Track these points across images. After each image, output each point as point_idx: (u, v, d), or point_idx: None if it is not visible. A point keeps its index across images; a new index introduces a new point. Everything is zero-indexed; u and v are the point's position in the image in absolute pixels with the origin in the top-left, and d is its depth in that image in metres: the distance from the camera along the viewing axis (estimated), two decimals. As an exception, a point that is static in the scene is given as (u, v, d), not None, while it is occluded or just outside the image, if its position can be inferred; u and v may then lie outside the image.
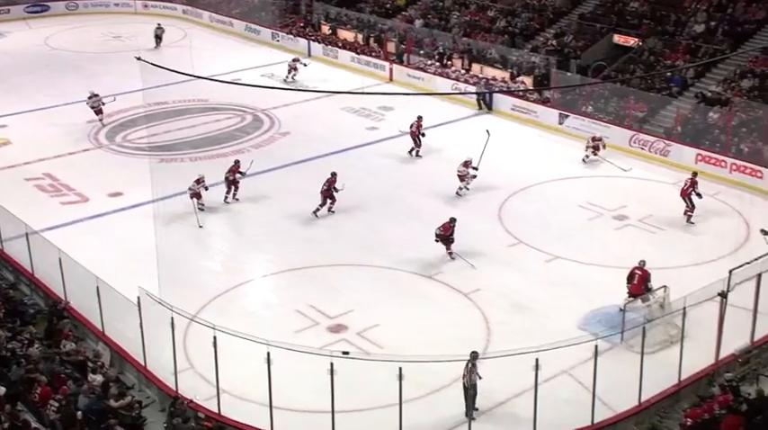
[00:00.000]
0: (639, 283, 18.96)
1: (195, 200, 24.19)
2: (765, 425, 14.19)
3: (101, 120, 31.68)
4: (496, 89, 33.95)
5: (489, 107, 33.48)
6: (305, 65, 37.46)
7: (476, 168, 25.38)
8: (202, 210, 24.38)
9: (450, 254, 21.65)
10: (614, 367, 16.30)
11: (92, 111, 31.51)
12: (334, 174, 24.22)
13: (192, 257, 22.23)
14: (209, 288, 20.47)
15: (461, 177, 25.46)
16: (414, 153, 28.66)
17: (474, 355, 15.56)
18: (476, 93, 33.33)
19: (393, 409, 14.49)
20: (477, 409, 15.70)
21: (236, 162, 25.40)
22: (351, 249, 22.47)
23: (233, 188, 25.15)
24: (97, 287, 17.40)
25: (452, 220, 21.77)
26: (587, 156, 28.32)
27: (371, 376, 15.54)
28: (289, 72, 37.10)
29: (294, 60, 37.54)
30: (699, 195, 23.69)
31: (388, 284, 20.79)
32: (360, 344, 18.16)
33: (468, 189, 25.56)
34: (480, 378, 15.53)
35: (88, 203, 25.30)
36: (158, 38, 42.53)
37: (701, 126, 28.87)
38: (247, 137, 31.00)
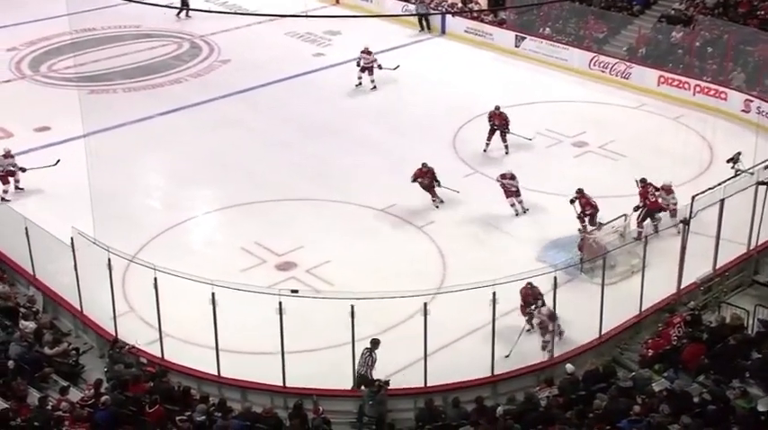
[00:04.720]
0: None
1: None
2: (725, 352, 14.57)
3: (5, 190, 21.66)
4: (445, 11, 33.68)
5: (429, 27, 33.06)
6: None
7: (675, 202, 19.49)
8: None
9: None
10: (574, 299, 16.48)
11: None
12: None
13: (129, 195, 21.91)
14: (147, 226, 20.25)
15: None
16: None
17: (374, 342, 15.09)
18: (428, 14, 33.01)
19: (346, 349, 14.61)
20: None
21: None
22: (297, 183, 22.30)
23: None
24: (26, 228, 17.12)
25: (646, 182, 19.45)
26: None
27: (323, 315, 15.60)
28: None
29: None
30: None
31: (338, 219, 20.74)
32: (310, 281, 18.17)
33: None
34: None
35: (12, 139, 24.61)
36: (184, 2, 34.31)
37: (663, 46, 28.99)
38: (185, 65, 30.46)
